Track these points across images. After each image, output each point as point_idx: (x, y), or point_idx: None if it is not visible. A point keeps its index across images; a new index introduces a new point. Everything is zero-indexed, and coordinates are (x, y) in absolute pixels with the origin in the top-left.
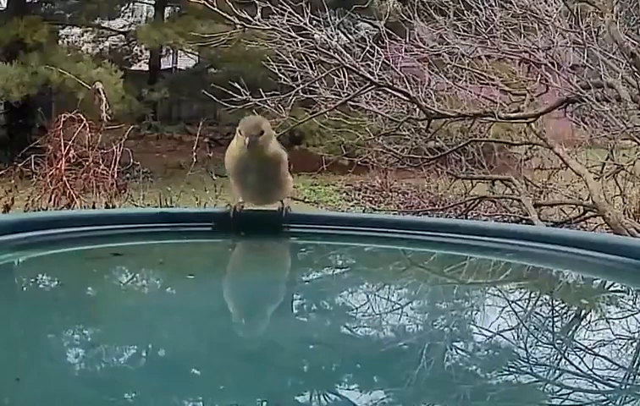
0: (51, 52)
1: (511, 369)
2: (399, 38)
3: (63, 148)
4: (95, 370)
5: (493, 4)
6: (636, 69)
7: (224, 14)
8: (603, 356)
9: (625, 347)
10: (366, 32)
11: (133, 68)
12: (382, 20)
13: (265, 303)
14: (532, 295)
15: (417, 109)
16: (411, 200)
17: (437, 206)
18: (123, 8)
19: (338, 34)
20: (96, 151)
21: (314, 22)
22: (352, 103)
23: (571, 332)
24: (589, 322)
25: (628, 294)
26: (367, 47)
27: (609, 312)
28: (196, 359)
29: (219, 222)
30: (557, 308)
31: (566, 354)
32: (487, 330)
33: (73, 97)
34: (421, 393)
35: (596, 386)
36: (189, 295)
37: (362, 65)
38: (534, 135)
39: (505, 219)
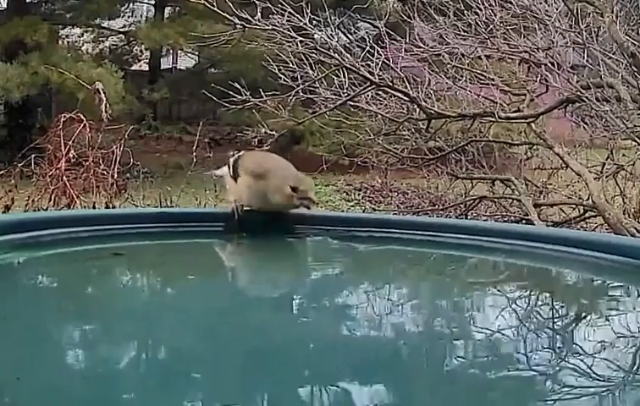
0: (51, 52)
1: (511, 369)
2: (399, 38)
3: (63, 148)
4: (95, 369)
5: (493, 4)
6: (636, 69)
7: (224, 14)
8: (603, 356)
9: (625, 347)
10: (367, 32)
11: (133, 68)
12: (382, 20)
13: (266, 303)
14: (532, 295)
15: (417, 109)
16: (411, 200)
17: (437, 206)
18: (123, 8)
19: (338, 34)
20: (96, 151)
21: (314, 22)
22: (352, 103)
23: (571, 332)
24: (589, 322)
25: (628, 294)
26: (367, 47)
27: (609, 312)
28: (196, 359)
29: (221, 223)
30: (557, 308)
31: (566, 354)
32: (487, 330)
33: (73, 97)
34: (421, 393)
35: (596, 387)
36: (189, 295)
37: (362, 65)
38: (534, 135)
39: (505, 219)
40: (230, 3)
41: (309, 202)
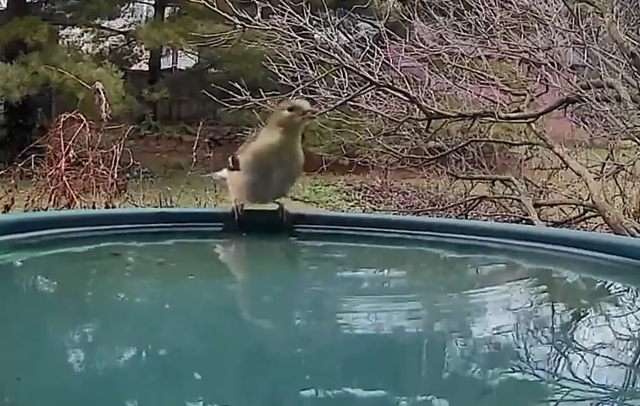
0: (51, 52)
1: (511, 369)
2: (399, 38)
3: (63, 148)
4: (95, 369)
5: (493, 4)
6: (636, 69)
7: (224, 14)
8: (603, 356)
9: (625, 347)
10: (367, 32)
11: (133, 68)
12: (382, 20)
13: (266, 303)
14: (533, 295)
15: (417, 109)
16: (411, 200)
17: (437, 206)
18: (123, 8)
19: (338, 34)
20: (96, 151)
21: (314, 22)
22: (352, 103)
23: (571, 333)
24: (589, 322)
25: (628, 294)
26: (367, 47)
27: (609, 312)
28: (196, 359)
29: (220, 223)
30: (557, 308)
31: (566, 355)
32: (487, 330)
33: (73, 97)
34: (421, 393)
35: (596, 387)
36: (189, 295)
37: (362, 65)
38: (534, 135)
39: (505, 219)
40: (230, 3)
41: (310, 113)
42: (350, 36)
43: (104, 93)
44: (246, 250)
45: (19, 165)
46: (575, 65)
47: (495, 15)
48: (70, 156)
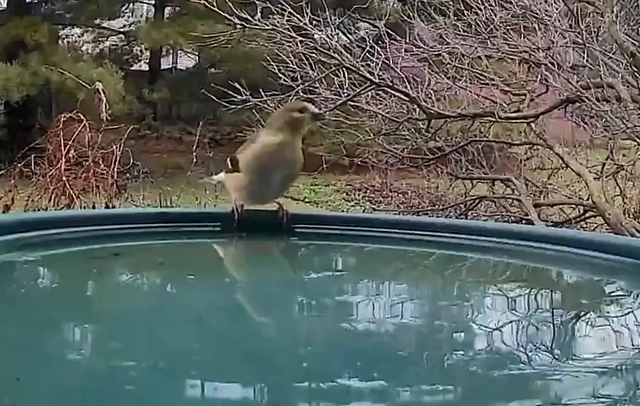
0: (51, 52)
1: (511, 369)
2: (399, 38)
3: (63, 148)
4: (95, 370)
5: (493, 4)
6: (636, 69)
7: (224, 14)
8: (603, 357)
9: (625, 347)
10: (366, 32)
11: (133, 68)
12: (382, 20)
13: (266, 303)
14: (532, 295)
15: (417, 109)
16: (410, 200)
17: (437, 206)
18: (123, 8)
19: (338, 34)
20: (96, 151)
21: (314, 22)
22: (352, 103)
23: (570, 333)
24: (589, 322)
25: (628, 295)
26: (367, 47)
27: (609, 313)
28: (196, 360)
29: (220, 223)
30: (557, 308)
31: (566, 355)
32: (487, 330)
33: (73, 97)
34: (421, 393)
35: (596, 387)
36: (189, 295)
37: (362, 65)
38: (534, 135)
39: (505, 219)
40: (230, 3)
41: (319, 115)
42: (350, 36)
43: (104, 93)
44: (246, 250)
45: (19, 165)
46: (575, 65)
47: (495, 15)
48: (70, 156)
